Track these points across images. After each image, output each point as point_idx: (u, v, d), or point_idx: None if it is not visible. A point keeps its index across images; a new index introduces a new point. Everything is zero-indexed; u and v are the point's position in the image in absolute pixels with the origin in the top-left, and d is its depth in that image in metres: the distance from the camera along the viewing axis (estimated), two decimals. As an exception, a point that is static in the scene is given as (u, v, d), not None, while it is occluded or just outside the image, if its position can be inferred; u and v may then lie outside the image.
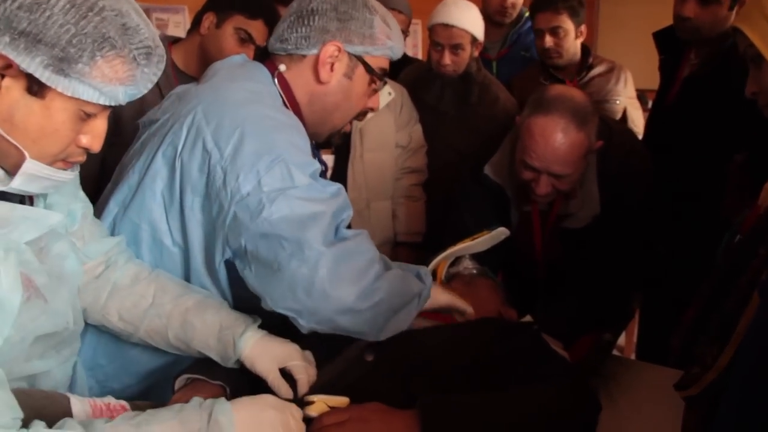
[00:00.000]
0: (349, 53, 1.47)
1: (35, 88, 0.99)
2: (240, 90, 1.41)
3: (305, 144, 1.40)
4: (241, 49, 2.21)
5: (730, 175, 1.82)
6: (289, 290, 1.31)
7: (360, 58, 1.48)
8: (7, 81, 0.98)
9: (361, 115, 1.60)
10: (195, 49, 2.30)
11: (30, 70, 0.96)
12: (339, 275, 1.32)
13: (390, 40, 1.50)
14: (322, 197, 1.35)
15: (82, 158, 1.12)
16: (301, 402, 1.25)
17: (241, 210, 1.29)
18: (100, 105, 1.05)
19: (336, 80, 1.48)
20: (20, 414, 0.99)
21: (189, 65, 2.31)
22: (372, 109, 1.60)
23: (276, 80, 1.48)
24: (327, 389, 1.31)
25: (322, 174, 1.46)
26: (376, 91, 1.56)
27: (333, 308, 1.33)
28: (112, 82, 1.03)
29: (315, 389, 1.30)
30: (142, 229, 1.42)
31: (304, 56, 1.47)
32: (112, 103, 1.06)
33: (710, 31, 2.18)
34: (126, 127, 2.22)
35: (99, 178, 2.26)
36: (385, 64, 1.54)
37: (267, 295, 1.34)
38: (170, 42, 2.35)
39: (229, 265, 1.40)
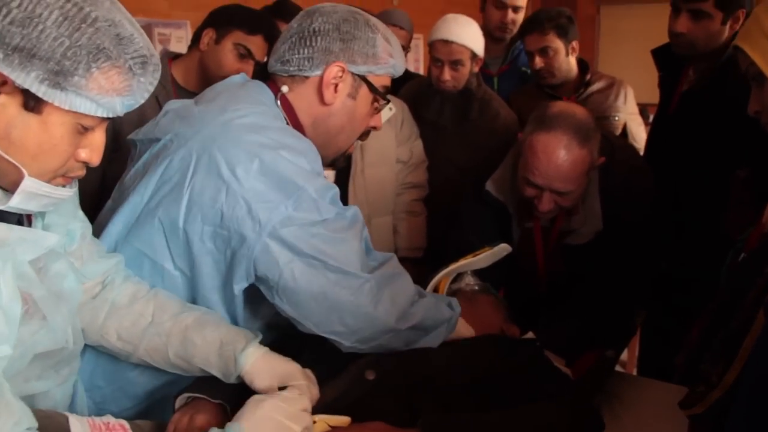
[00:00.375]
0: (352, 73, 1.45)
1: (32, 103, 0.98)
2: (248, 115, 1.37)
3: (320, 165, 1.41)
4: (241, 64, 2.22)
5: (733, 191, 1.81)
6: (336, 316, 1.36)
7: (363, 78, 1.47)
8: (2, 98, 0.97)
9: (364, 135, 1.59)
10: (195, 65, 2.30)
11: (26, 86, 0.95)
12: (382, 299, 1.40)
13: (392, 58, 1.49)
14: (346, 225, 1.38)
15: (82, 172, 1.11)
16: None
17: (276, 240, 1.30)
18: (98, 117, 1.04)
19: (340, 101, 1.47)
20: (35, 424, 0.99)
21: (189, 81, 2.32)
22: (374, 128, 1.59)
23: (279, 102, 1.46)
24: (328, 409, 1.30)
25: None
26: (378, 110, 1.55)
27: (377, 329, 1.41)
28: (109, 93, 1.02)
29: (317, 409, 1.28)
30: (143, 253, 1.39)
31: (306, 78, 1.45)
32: (110, 115, 1.04)
33: (705, 46, 2.18)
34: (126, 143, 2.22)
35: (99, 193, 2.26)
36: (388, 83, 1.53)
37: (308, 321, 1.37)
38: (170, 58, 2.36)
39: (246, 291, 1.40)
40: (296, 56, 1.44)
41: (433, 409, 1.32)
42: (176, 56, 2.39)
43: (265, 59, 2.34)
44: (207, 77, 2.25)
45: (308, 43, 1.43)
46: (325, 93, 1.44)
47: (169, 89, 2.26)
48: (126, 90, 1.04)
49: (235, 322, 1.44)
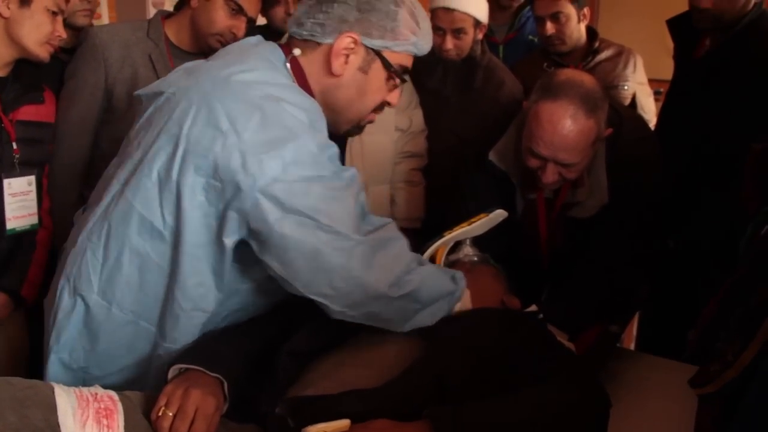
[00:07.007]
0: (366, 46, 1.41)
1: None
2: (252, 70, 1.36)
3: (323, 124, 1.38)
4: (232, 21, 2.16)
5: (748, 163, 1.75)
6: (325, 278, 1.32)
7: (378, 53, 1.42)
8: None
9: (377, 109, 1.53)
10: (187, 22, 2.23)
11: None
12: (374, 263, 1.35)
13: (414, 36, 1.43)
14: (342, 184, 1.35)
15: None
16: None
17: (267, 197, 1.26)
18: None
19: (350, 74, 1.42)
20: None
21: (182, 39, 2.25)
22: (389, 104, 1.54)
23: (288, 64, 1.42)
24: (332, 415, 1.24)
25: None
26: (396, 86, 1.50)
27: (367, 294, 1.36)
28: None
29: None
30: (134, 208, 1.35)
31: (318, 44, 1.42)
32: None
33: (731, 17, 2.10)
34: (119, 104, 2.16)
35: (91, 156, 2.20)
36: (407, 61, 1.48)
37: (296, 282, 1.33)
38: (163, 16, 2.29)
39: (237, 252, 1.35)
40: (310, 20, 1.41)
41: (434, 391, 1.29)
42: (170, 15, 2.32)
43: (258, 16, 2.28)
44: (198, 35, 2.20)
45: (324, 8, 1.40)
46: (333, 63, 1.40)
47: (162, 48, 2.21)
48: None
49: (221, 281, 1.38)
